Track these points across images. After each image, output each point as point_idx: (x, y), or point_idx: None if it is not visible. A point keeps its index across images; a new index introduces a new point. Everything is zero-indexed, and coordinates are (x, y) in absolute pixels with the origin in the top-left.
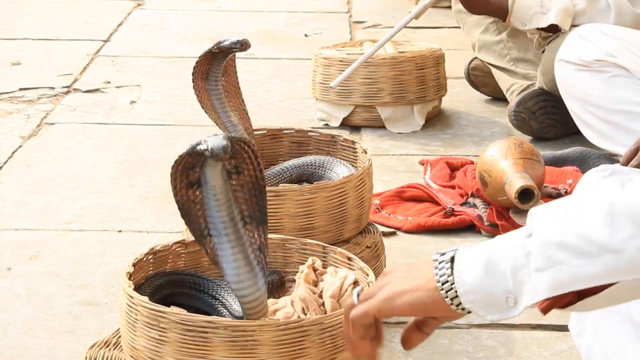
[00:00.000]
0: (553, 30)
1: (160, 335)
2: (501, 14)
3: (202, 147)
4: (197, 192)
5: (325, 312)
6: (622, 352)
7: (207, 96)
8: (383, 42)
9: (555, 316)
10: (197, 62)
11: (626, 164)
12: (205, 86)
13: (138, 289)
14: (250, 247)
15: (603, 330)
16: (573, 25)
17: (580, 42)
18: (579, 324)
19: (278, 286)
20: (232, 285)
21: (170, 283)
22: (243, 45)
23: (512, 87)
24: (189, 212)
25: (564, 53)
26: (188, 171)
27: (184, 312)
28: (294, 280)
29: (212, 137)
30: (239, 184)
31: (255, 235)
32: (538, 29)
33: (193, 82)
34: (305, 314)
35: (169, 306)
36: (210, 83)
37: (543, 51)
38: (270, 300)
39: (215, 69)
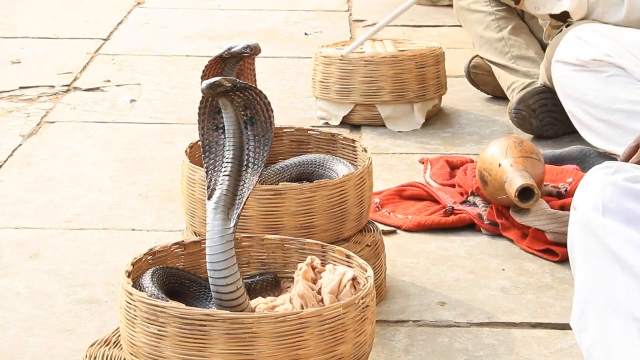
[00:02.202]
0: (564, 19)
1: (159, 330)
2: None
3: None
4: (222, 136)
5: None
6: (624, 349)
7: None
8: (400, 11)
9: (555, 314)
10: (206, 66)
11: (626, 161)
12: None
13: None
14: (241, 185)
15: (605, 328)
16: (583, 19)
17: (577, 42)
18: (580, 321)
19: (273, 285)
20: (209, 209)
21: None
22: (253, 49)
23: (513, 85)
24: (210, 150)
25: (561, 54)
26: (215, 115)
27: (183, 306)
28: (293, 280)
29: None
30: (253, 133)
31: (250, 177)
32: (550, 15)
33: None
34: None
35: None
36: None
37: (545, 47)
38: (269, 298)
39: (228, 73)
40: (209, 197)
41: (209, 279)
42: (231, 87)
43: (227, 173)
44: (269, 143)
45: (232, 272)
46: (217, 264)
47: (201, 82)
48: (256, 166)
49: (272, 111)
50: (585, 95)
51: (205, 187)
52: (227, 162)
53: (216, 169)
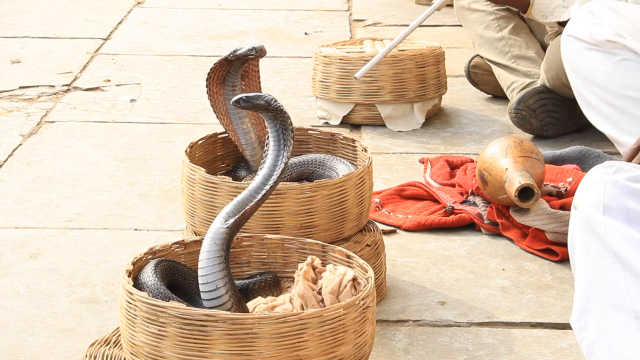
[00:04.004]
0: None
1: (159, 330)
2: (523, 5)
3: None
4: (266, 152)
5: None
6: (625, 348)
7: (222, 101)
8: (408, 31)
9: (555, 314)
10: (212, 69)
11: (628, 162)
12: (221, 91)
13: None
14: (254, 200)
15: (607, 326)
16: None
17: (591, 19)
18: (581, 320)
19: (273, 285)
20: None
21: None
22: (259, 51)
23: (513, 84)
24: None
25: (573, 29)
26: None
27: (183, 306)
28: (294, 280)
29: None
30: (286, 156)
31: (263, 196)
32: (558, 22)
33: (207, 87)
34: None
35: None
36: (226, 88)
37: (545, 47)
38: (269, 298)
39: (233, 75)
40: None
41: (198, 277)
42: (266, 106)
43: (250, 188)
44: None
45: (214, 271)
46: (202, 262)
47: (207, 84)
48: (273, 187)
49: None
50: (596, 76)
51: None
52: (257, 178)
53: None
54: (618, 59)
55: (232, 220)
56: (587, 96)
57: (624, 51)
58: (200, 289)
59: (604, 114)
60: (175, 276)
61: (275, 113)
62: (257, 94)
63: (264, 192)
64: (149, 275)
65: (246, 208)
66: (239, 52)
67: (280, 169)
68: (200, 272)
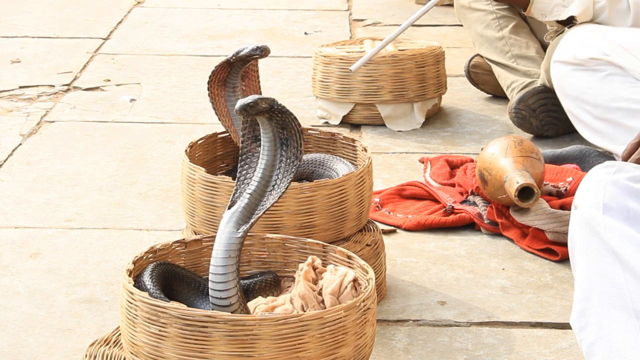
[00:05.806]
0: (569, 22)
1: (160, 331)
2: (522, 3)
3: None
4: (259, 149)
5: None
6: (627, 347)
7: (223, 103)
8: (405, 26)
9: (555, 314)
10: (213, 71)
11: (627, 158)
12: (222, 93)
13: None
14: (260, 205)
15: (607, 326)
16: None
17: (575, 42)
18: (581, 319)
19: (273, 285)
20: (223, 219)
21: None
22: (263, 51)
23: (513, 84)
24: (246, 160)
25: (559, 54)
26: (256, 125)
27: (184, 306)
28: (294, 279)
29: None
30: (286, 155)
31: (271, 199)
32: (557, 21)
33: (209, 89)
34: (305, 311)
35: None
36: (227, 90)
37: (545, 47)
38: (269, 298)
39: (234, 76)
40: (229, 207)
41: (209, 282)
42: (268, 108)
43: (251, 191)
44: (295, 171)
45: (230, 287)
46: (217, 276)
47: (208, 86)
48: (280, 190)
49: (304, 140)
50: (584, 94)
51: (231, 194)
52: (255, 180)
53: (245, 181)
54: (603, 75)
55: (245, 230)
56: (579, 115)
57: (609, 67)
58: (214, 296)
59: (598, 129)
60: (172, 279)
61: (278, 113)
62: (259, 97)
63: (274, 198)
64: (145, 279)
65: (258, 217)
66: (242, 53)
67: (283, 172)
68: (214, 287)
